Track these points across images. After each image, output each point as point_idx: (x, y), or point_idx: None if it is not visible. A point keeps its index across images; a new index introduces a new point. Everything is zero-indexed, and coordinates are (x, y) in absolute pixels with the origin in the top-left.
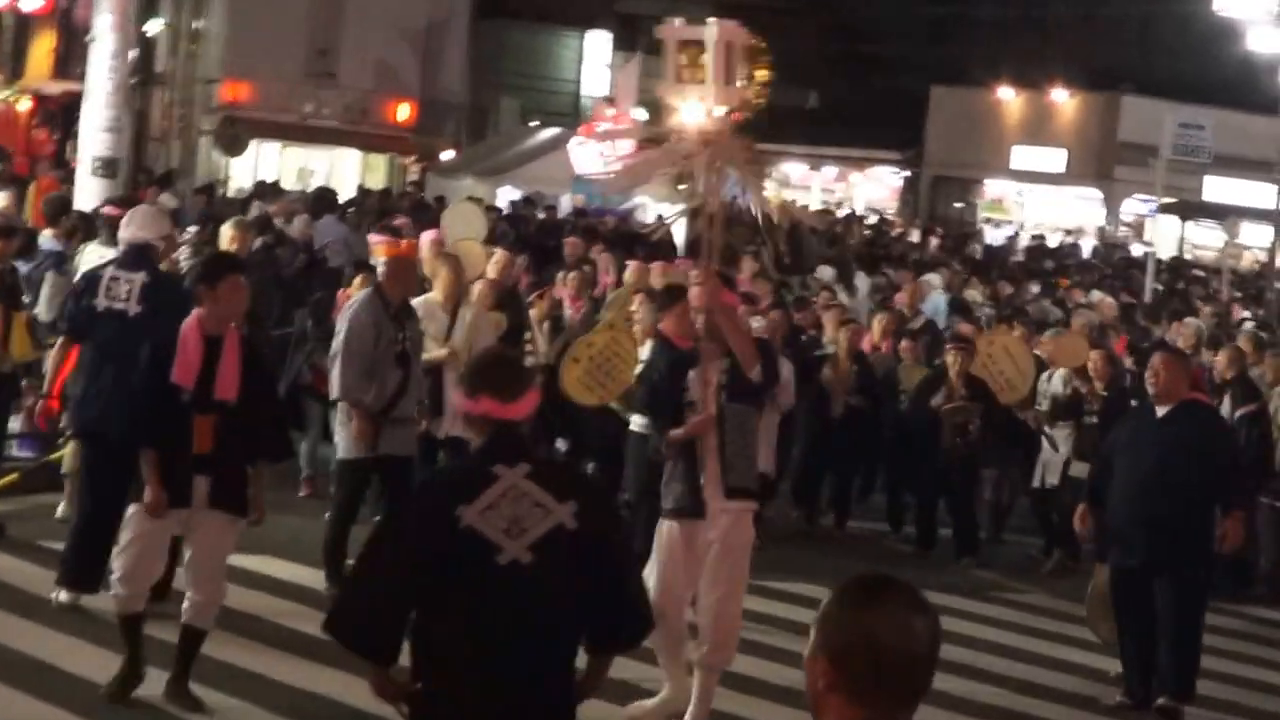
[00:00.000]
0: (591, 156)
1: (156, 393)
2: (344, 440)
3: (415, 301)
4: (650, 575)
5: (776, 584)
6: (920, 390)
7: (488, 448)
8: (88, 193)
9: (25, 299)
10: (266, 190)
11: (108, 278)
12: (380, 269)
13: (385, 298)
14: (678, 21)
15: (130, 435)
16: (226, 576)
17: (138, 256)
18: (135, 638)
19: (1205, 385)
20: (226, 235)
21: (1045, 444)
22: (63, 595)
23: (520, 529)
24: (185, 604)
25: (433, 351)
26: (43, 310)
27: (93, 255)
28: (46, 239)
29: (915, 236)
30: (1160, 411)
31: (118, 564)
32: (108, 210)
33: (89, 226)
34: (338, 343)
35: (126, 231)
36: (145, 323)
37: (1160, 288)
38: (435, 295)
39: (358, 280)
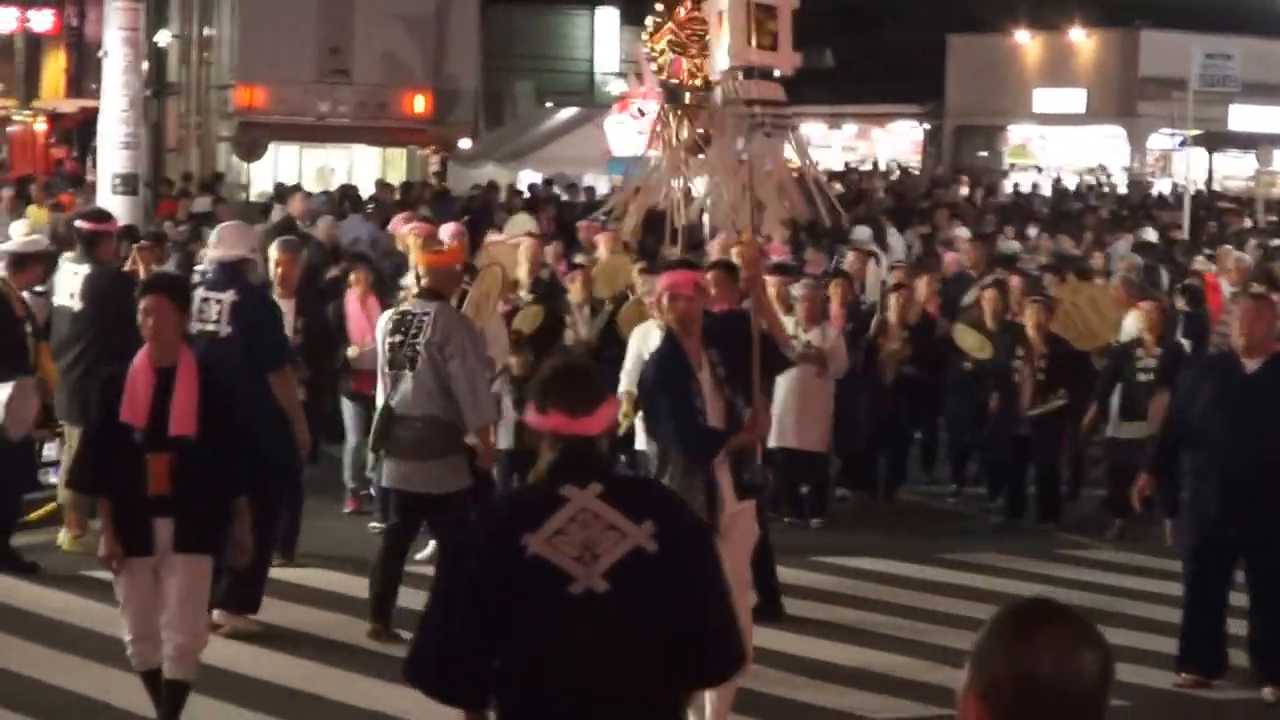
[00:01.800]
0: (629, 135)
1: (104, 434)
2: (458, 468)
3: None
4: None
5: (839, 559)
6: (1002, 350)
7: (557, 466)
8: (109, 209)
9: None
10: (286, 192)
11: (198, 299)
12: (427, 278)
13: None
14: None
15: (73, 482)
16: (201, 617)
17: (228, 275)
18: (158, 693)
19: None
20: (273, 258)
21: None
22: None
23: (593, 555)
24: (163, 656)
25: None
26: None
27: (65, 271)
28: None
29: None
30: (1250, 367)
31: (122, 622)
32: (82, 225)
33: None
34: (471, 362)
35: (216, 250)
36: (237, 344)
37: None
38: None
39: (356, 276)
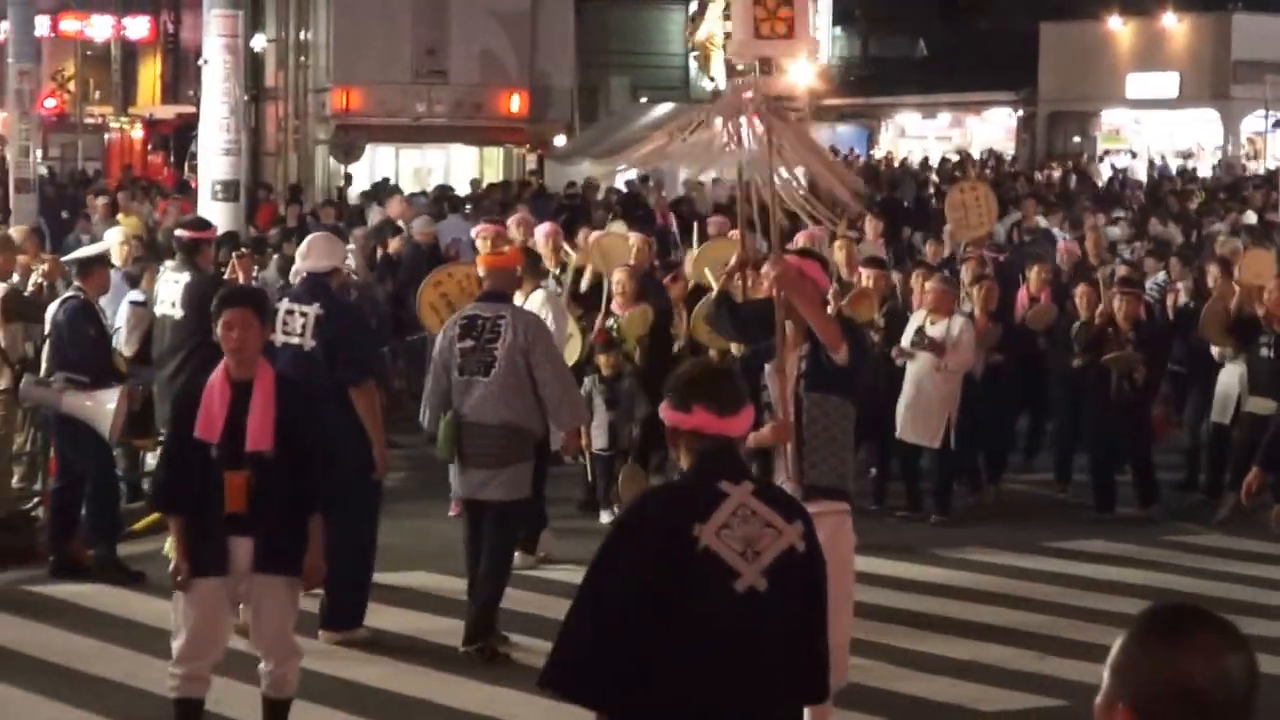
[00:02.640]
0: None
1: (179, 450)
2: (527, 476)
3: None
4: None
5: (944, 551)
6: (1088, 342)
7: (705, 465)
8: (210, 217)
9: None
10: (383, 193)
11: (283, 311)
12: (489, 279)
13: None
14: None
15: (154, 499)
16: (291, 637)
17: (313, 287)
18: None
19: None
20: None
21: (1224, 377)
22: (321, 635)
23: (755, 552)
24: (261, 675)
25: None
26: (123, 344)
27: (167, 280)
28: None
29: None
30: None
31: (174, 645)
32: (181, 233)
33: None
34: (560, 364)
35: (303, 262)
36: (320, 357)
37: None
38: None
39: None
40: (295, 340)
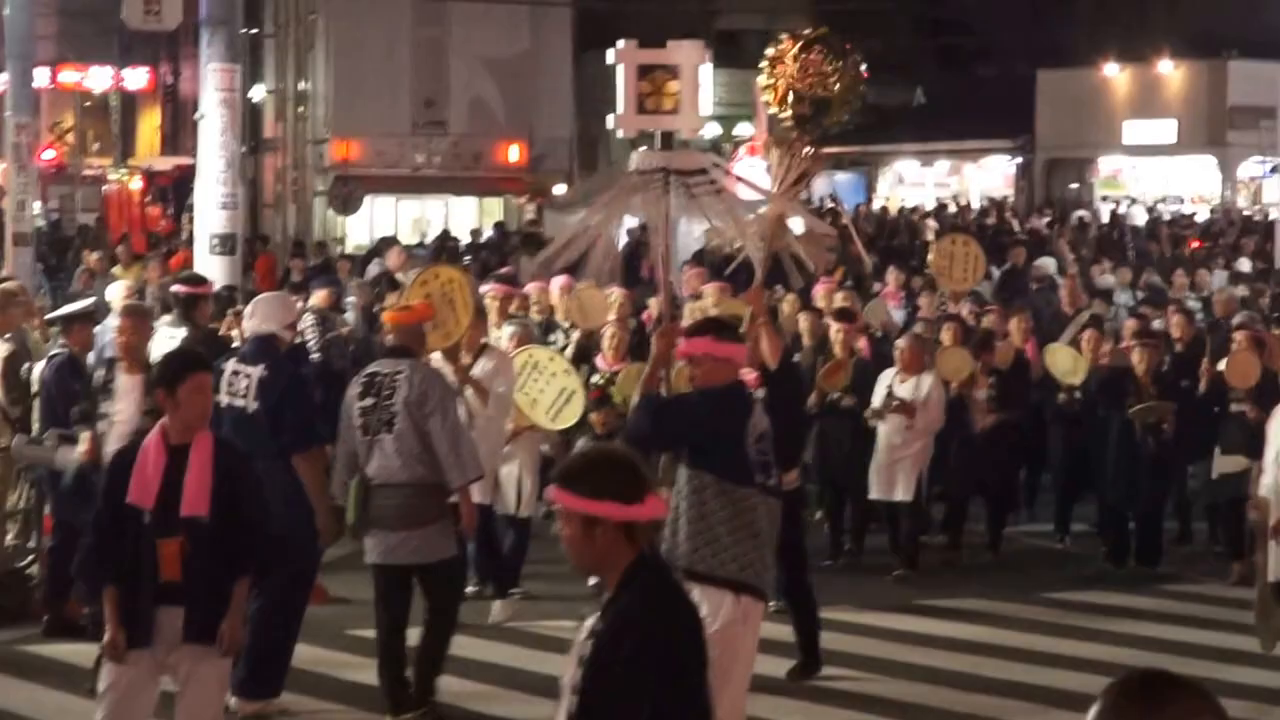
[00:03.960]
0: (760, 179)
1: (110, 517)
2: (446, 534)
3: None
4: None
5: (940, 602)
6: (1104, 392)
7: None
8: (207, 271)
9: None
10: (384, 246)
11: (229, 371)
12: (395, 335)
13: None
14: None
15: (79, 570)
16: (217, 710)
17: (260, 349)
18: None
19: None
20: (115, 324)
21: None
22: (232, 702)
23: None
24: None
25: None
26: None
27: (163, 334)
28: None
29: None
30: None
31: (95, 717)
32: (178, 288)
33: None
34: (452, 418)
35: (250, 322)
36: (262, 420)
37: None
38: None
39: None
40: (239, 402)
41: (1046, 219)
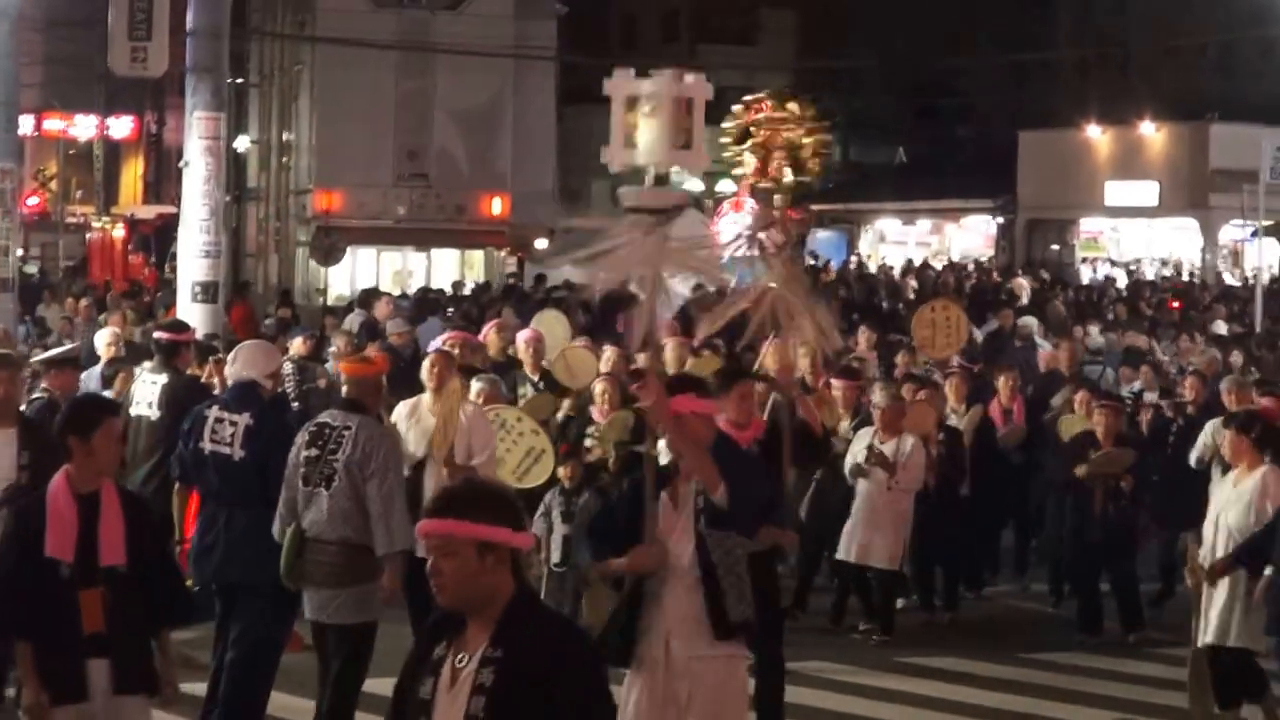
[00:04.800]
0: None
1: (21, 571)
2: (375, 597)
3: (405, 402)
4: None
5: (917, 659)
6: (1068, 458)
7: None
8: (189, 319)
9: None
10: (369, 297)
11: (212, 418)
12: (348, 388)
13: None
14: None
15: None
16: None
17: (243, 396)
18: None
19: None
20: None
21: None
22: None
23: None
24: None
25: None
26: None
27: (144, 380)
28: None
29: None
30: None
31: None
32: (160, 335)
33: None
34: (390, 484)
35: (231, 369)
36: (252, 468)
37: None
38: (426, 395)
39: None
40: (225, 449)
41: (1027, 278)
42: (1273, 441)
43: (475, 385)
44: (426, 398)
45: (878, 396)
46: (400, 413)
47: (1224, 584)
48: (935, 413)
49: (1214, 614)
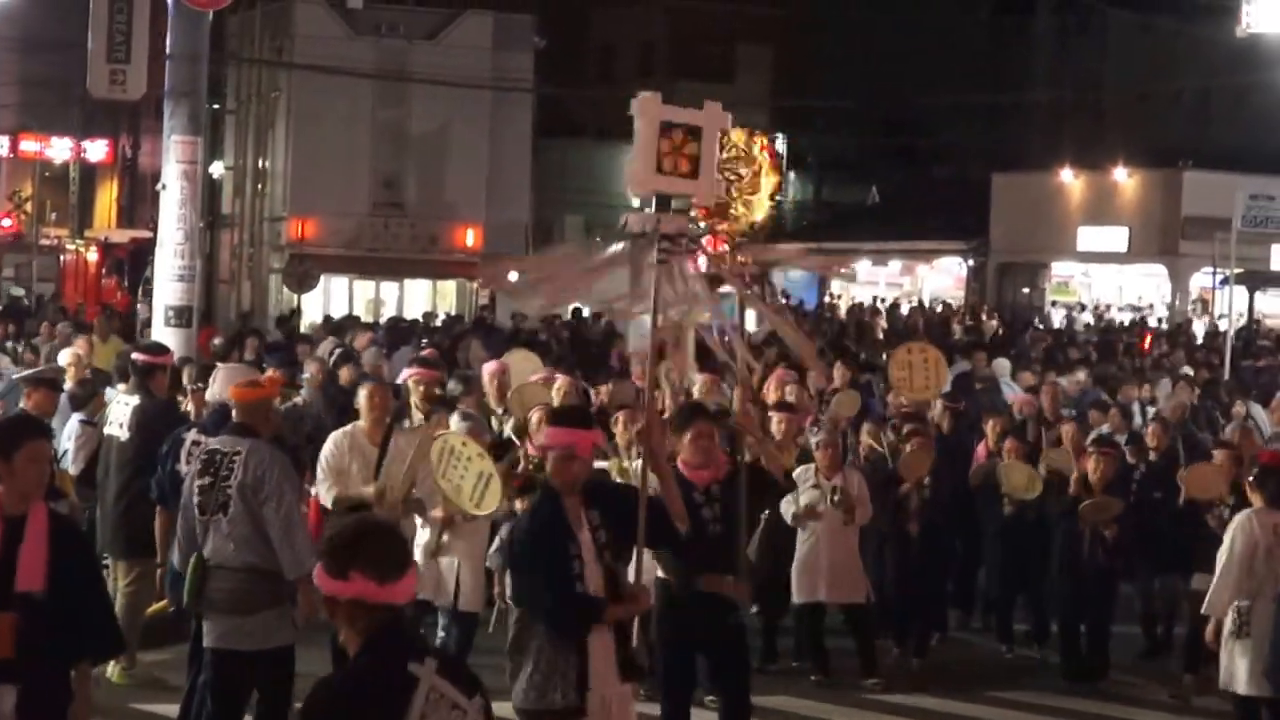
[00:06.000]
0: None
1: None
2: (284, 620)
3: (339, 431)
4: None
5: (886, 696)
6: (1051, 500)
7: (382, 645)
8: (162, 342)
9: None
10: (343, 326)
11: (189, 442)
12: (238, 413)
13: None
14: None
15: None
16: None
17: (220, 420)
18: None
19: None
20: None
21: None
22: None
23: None
24: None
25: (356, 488)
26: (69, 463)
27: (118, 401)
28: (120, 392)
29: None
30: None
31: None
32: (137, 357)
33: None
34: (287, 506)
35: (211, 389)
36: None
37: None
38: (361, 423)
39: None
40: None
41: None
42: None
43: (462, 424)
44: (362, 425)
45: (820, 435)
46: (341, 444)
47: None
48: (930, 458)
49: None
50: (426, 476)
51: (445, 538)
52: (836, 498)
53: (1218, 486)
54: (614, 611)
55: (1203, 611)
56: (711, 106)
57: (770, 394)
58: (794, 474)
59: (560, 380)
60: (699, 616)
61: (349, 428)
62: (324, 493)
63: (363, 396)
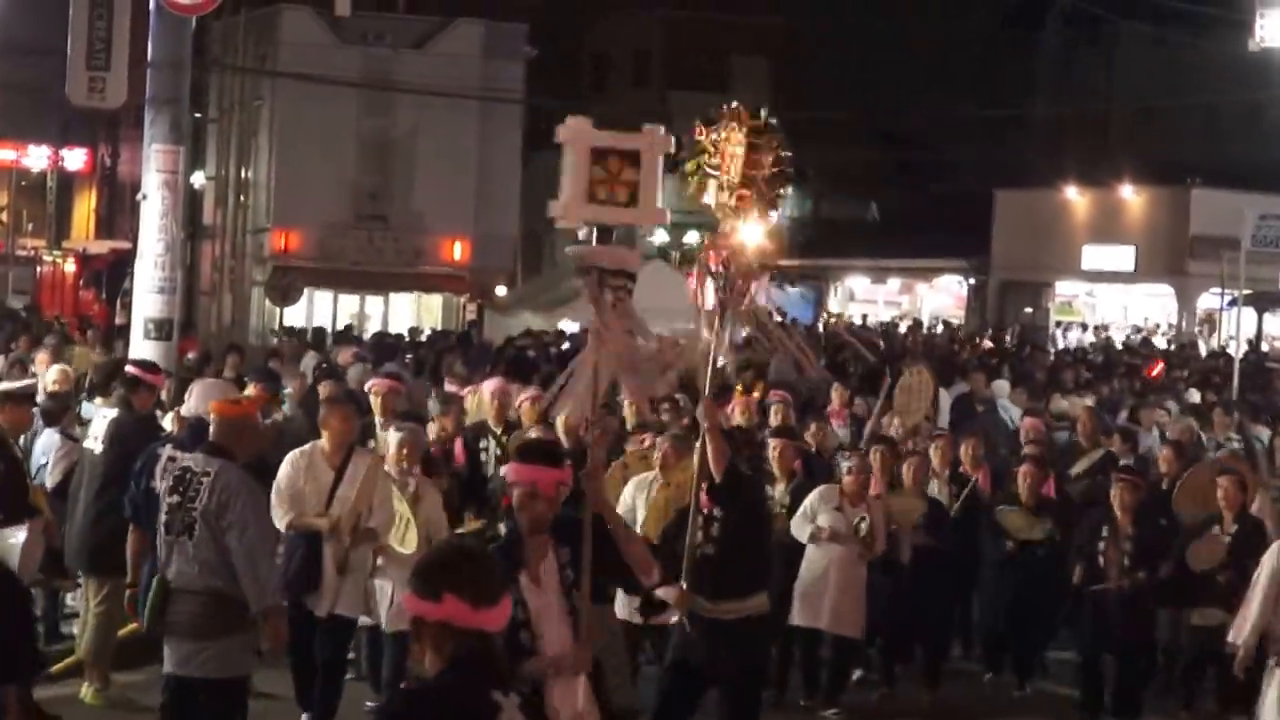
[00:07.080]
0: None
1: None
2: (245, 650)
3: (298, 451)
4: None
5: None
6: (1058, 528)
7: (467, 670)
8: (141, 355)
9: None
10: (324, 340)
11: (165, 458)
12: (215, 430)
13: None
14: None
15: None
16: None
17: (196, 436)
18: None
19: None
20: None
21: None
22: None
23: None
24: None
25: (308, 517)
26: (47, 478)
27: (99, 414)
28: (100, 405)
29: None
30: None
31: None
32: (130, 369)
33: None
34: (251, 535)
35: (188, 403)
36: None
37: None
38: (323, 443)
39: None
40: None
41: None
42: None
43: (394, 437)
44: (323, 446)
45: (850, 461)
46: (298, 465)
47: None
48: (920, 505)
49: None
50: (382, 504)
51: (380, 561)
52: (864, 530)
53: (1209, 502)
54: (528, 666)
55: (1229, 639)
56: (650, 130)
57: (772, 418)
58: (810, 495)
59: (527, 392)
60: (702, 647)
61: (308, 447)
62: (278, 518)
63: (323, 416)
